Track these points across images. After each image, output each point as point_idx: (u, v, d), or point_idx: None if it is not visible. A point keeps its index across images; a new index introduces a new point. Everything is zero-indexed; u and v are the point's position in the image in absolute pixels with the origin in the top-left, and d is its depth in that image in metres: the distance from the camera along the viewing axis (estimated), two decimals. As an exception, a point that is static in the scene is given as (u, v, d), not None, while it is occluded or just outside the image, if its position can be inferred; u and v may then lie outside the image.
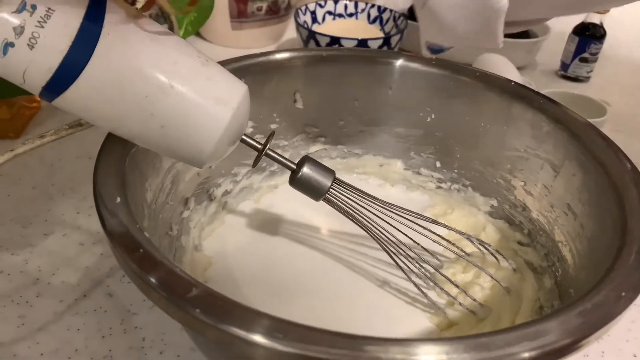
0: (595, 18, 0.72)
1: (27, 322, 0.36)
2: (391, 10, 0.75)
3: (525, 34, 0.80)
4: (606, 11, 0.72)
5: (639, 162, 0.58)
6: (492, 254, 0.38)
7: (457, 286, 0.36)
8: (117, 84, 0.26)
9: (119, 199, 0.27)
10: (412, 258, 0.37)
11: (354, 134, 0.48)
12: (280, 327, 0.21)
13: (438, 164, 0.46)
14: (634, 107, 0.71)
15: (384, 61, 0.45)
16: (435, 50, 0.46)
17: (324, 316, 0.36)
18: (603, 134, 0.35)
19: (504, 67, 0.62)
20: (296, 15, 0.71)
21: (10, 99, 0.54)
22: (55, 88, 0.26)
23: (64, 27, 0.25)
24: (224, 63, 0.41)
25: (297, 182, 0.35)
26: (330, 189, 0.35)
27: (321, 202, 0.46)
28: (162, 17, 0.65)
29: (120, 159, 0.30)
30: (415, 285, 0.37)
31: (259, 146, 0.34)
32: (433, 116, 0.45)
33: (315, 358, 0.21)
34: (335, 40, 0.65)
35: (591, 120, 0.58)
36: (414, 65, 0.44)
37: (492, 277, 0.37)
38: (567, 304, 0.24)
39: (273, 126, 0.45)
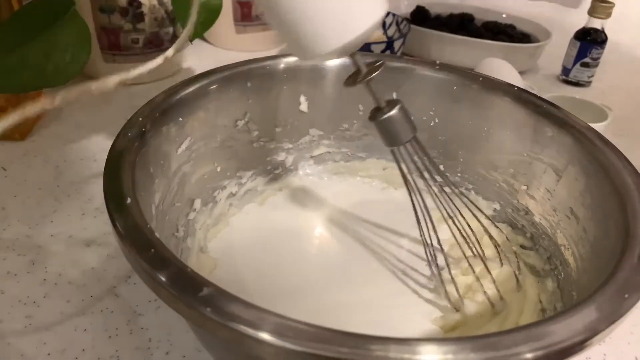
0: (596, 23, 0.73)
1: (34, 322, 0.37)
2: (394, 15, 0.75)
3: (527, 39, 0.81)
4: (608, 16, 0.72)
5: (640, 167, 0.58)
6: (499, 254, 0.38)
7: (477, 278, 0.36)
8: None
9: (129, 200, 0.27)
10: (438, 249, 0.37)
11: (357, 137, 0.49)
12: (289, 326, 0.22)
13: (441, 168, 0.47)
14: (635, 111, 0.72)
15: (388, 66, 0.46)
16: None
17: (330, 317, 0.36)
18: (605, 139, 0.36)
19: (506, 72, 0.63)
20: (300, 19, 0.71)
21: (16, 101, 0.55)
22: None
23: None
24: (229, 67, 0.42)
25: (380, 121, 0.33)
26: (407, 144, 0.34)
27: (325, 203, 0.47)
28: (168, 20, 0.65)
29: (129, 160, 0.30)
30: (434, 270, 0.37)
31: (365, 69, 0.33)
32: (436, 120, 0.45)
33: (324, 357, 0.21)
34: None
35: (593, 125, 0.59)
36: (418, 69, 0.45)
37: (493, 282, 0.37)
38: (571, 306, 0.24)
39: (278, 129, 0.46)
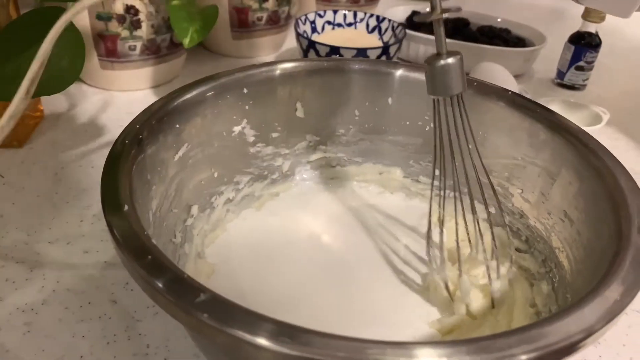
0: (590, 27, 0.73)
1: (33, 330, 0.37)
2: (390, 20, 0.76)
3: (522, 43, 0.82)
4: (602, 20, 0.73)
5: (635, 168, 0.59)
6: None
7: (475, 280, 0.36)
8: None
9: (126, 207, 0.27)
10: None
11: (353, 142, 0.49)
12: (286, 331, 0.22)
13: (437, 172, 0.47)
14: (630, 114, 0.72)
15: (383, 71, 0.46)
16: None
17: (327, 321, 0.37)
18: (598, 142, 0.36)
19: (501, 76, 0.63)
20: (296, 25, 0.72)
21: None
22: None
23: None
24: (226, 74, 0.42)
25: (436, 67, 0.33)
26: (453, 97, 0.34)
27: (321, 208, 0.47)
28: (165, 27, 0.66)
29: (126, 168, 0.31)
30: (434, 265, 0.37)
31: (439, 8, 0.32)
32: (432, 125, 0.46)
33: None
34: (334, 50, 0.66)
35: (587, 128, 0.59)
36: (413, 74, 0.45)
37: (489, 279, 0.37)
38: (564, 308, 0.24)
39: (274, 135, 0.46)
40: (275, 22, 0.78)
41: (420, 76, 0.45)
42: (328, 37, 0.75)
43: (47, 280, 0.41)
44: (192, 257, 0.39)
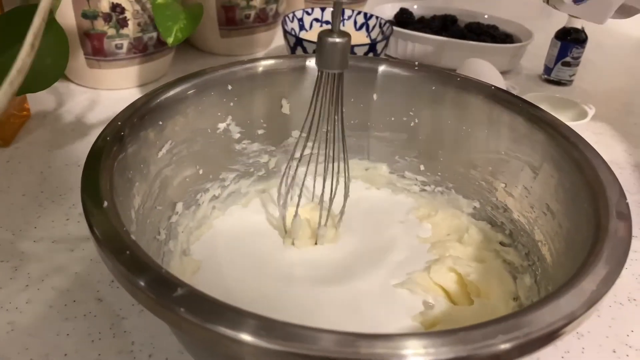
0: (576, 23, 0.74)
1: (17, 329, 0.37)
2: (377, 17, 0.76)
3: (510, 39, 0.82)
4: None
5: (620, 163, 0.59)
6: None
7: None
8: None
9: (106, 203, 0.27)
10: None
11: (340, 138, 0.49)
12: (264, 325, 0.22)
13: (422, 167, 0.47)
14: (615, 110, 0.73)
15: (368, 67, 0.46)
16: None
17: (312, 318, 0.37)
18: (578, 135, 0.36)
19: (487, 72, 0.63)
20: (284, 23, 0.72)
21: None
22: None
23: None
24: (209, 70, 0.42)
25: (325, 41, 0.36)
26: (335, 74, 0.37)
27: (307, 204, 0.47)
28: (151, 25, 0.65)
29: (107, 165, 0.31)
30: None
31: None
32: (417, 120, 0.46)
33: (300, 354, 0.21)
34: (322, 47, 0.66)
35: (573, 123, 0.60)
36: (397, 71, 0.46)
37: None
38: (541, 299, 0.25)
39: (260, 131, 0.46)
40: (263, 20, 0.78)
41: (404, 72, 0.45)
42: (316, 34, 0.75)
43: (31, 279, 0.41)
44: (177, 254, 0.39)
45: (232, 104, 0.43)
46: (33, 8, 0.48)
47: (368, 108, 0.47)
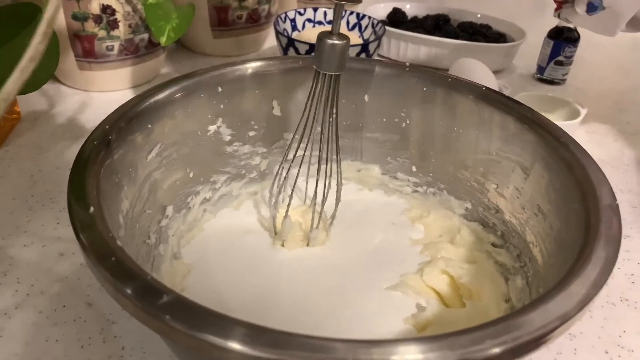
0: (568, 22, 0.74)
1: (5, 335, 0.36)
2: (370, 17, 0.76)
3: (502, 38, 0.82)
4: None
5: (613, 162, 0.59)
6: None
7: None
8: None
9: (92, 209, 0.27)
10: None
11: (333, 140, 0.49)
12: (251, 332, 0.22)
13: (414, 169, 0.47)
14: (607, 108, 0.73)
15: (359, 68, 0.46)
16: (594, 7, 0.47)
17: (304, 321, 0.36)
18: (568, 135, 0.36)
19: (480, 71, 0.63)
20: (276, 23, 0.72)
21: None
22: None
23: None
24: (199, 73, 0.42)
25: (325, 42, 0.37)
26: (332, 76, 0.38)
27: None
28: (142, 26, 0.65)
29: (94, 170, 0.30)
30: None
31: None
32: (408, 121, 0.46)
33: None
34: (314, 48, 0.65)
35: (566, 122, 0.60)
36: (389, 71, 0.45)
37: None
38: (531, 301, 0.25)
39: (251, 133, 0.46)
40: (256, 21, 0.78)
41: (395, 73, 0.45)
42: (308, 34, 0.75)
43: (21, 284, 0.40)
44: (168, 258, 0.39)
45: (222, 106, 0.43)
46: (23, 7, 0.48)
47: (360, 109, 0.47)
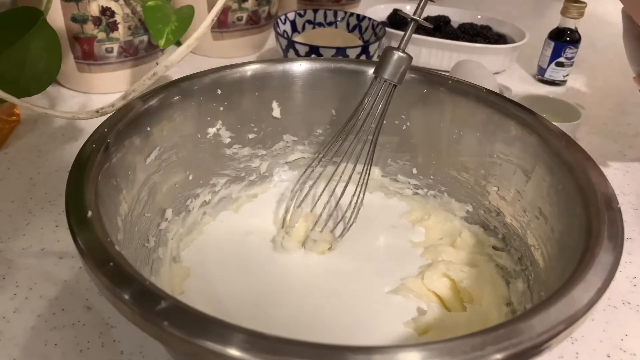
0: (569, 23, 0.74)
1: (4, 338, 0.36)
2: (370, 19, 0.76)
3: (503, 40, 0.82)
4: (581, 16, 0.73)
5: (614, 164, 0.59)
6: None
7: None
8: None
9: (90, 213, 0.27)
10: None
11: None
12: (250, 339, 0.22)
13: (414, 171, 0.47)
14: (608, 110, 0.73)
15: (359, 70, 0.46)
16: None
17: (304, 326, 0.36)
18: (569, 137, 0.36)
19: (480, 73, 0.63)
20: (276, 25, 0.72)
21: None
22: None
23: None
24: (198, 75, 0.41)
25: (391, 51, 0.40)
26: (392, 86, 0.41)
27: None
28: (142, 28, 0.65)
29: (93, 173, 0.30)
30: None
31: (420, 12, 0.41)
32: (408, 124, 0.46)
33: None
34: (314, 50, 0.66)
35: (567, 124, 0.60)
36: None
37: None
38: (532, 307, 0.24)
39: (251, 136, 0.46)
40: (256, 22, 0.78)
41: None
42: (308, 36, 0.75)
43: (19, 287, 0.40)
44: (167, 261, 0.39)
45: (222, 108, 0.43)
46: (24, 11, 0.48)
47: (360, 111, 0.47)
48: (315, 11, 0.77)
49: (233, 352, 0.21)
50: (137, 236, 0.35)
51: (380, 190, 0.49)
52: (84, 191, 0.28)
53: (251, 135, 0.46)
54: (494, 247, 0.42)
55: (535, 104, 0.54)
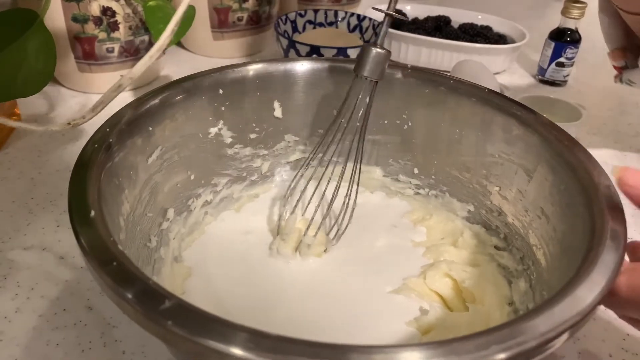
0: (570, 23, 0.74)
1: (5, 339, 0.36)
2: (370, 19, 0.76)
3: (503, 40, 0.82)
4: (581, 16, 0.73)
5: (614, 164, 0.59)
6: None
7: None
8: None
9: (93, 212, 0.27)
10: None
11: (333, 142, 0.49)
12: (254, 338, 0.22)
13: (416, 171, 0.47)
14: (608, 110, 0.73)
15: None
16: None
17: (306, 325, 0.36)
18: (571, 137, 0.36)
19: (481, 73, 0.63)
20: (276, 25, 0.72)
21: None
22: None
23: None
24: (199, 75, 0.41)
25: (368, 48, 0.39)
26: (373, 82, 0.40)
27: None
28: (143, 28, 0.65)
29: (95, 172, 0.30)
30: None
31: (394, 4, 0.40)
32: (410, 124, 0.46)
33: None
34: (315, 49, 0.65)
35: (567, 124, 0.60)
36: (390, 73, 0.45)
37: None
38: (535, 307, 0.24)
39: (252, 136, 0.46)
40: (256, 22, 0.78)
41: (397, 75, 0.45)
42: (309, 36, 0.75)
43: (21, 287, 0.40)
44: (169, 261, 0.39)
45: (223, 108, 0.43)
46: (22, 12, 0.48)
47: (361, 111, 0.47)
48: (315, 11, 0.77)
49: (237, 351, 0.21)
50: (139, 236, 0.35)
51: (382, 190, 0.49)
52: (86, 191, 0.28)
53: (253, 135, 0.46)
54: (496, 247, 0.42)
55: (536, 104, 0.53)
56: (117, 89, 0.37)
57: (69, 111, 0.64)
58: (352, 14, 0.77)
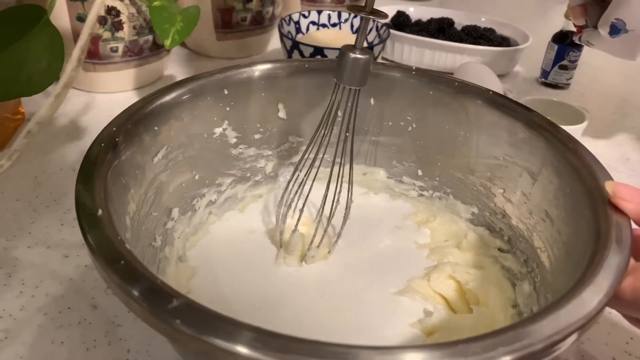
0: (573, 26, 0.74)
1: (10, 336, 0.36)
2: (374, 20, 0.76)
3: (506, 42, 0.82)
4: (584, 20, 0.73)
5: (618, 167, 0.59)
6: None
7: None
8: None
9: (100, 211, 0.27)
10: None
11: (336, 143, 0.49)
12: (260, 337, 0.22)
13: (420, 172, 0.47)
14: (611, 113, 0.73)
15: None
16: (617, 30, 0.47)
17: (310, 325, 0.36)
18: (577, 140, 0.36)
19: (484, 75, 0.63)
20: (280, 26, 0.72)
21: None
22: None
23: None
24: (205, 75, 0.41)
25: (346, 55, 0.36)
26: (355, 90, 0.38)
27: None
28: (147, 28, 0.65)
29: (102, 172, 0.30)
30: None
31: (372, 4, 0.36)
32: (414, 125, 0.46)
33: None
34: (318, 51, 0.66)
35: (570, 127, 0.60)
36: (395, 75, 0.45)
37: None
38: (540, 311, 0.24)
39: (257, 136, 0.46)
40: (260, 23, 0.78)
41: (401, 77, 0.45)
42: (312, 37, 0.75)
43: (25, 286, 0.40)
44: (173, 261, 0.39)
45: (228, 108, 0.43)
46: (27, 8, 0.48)
47: (365, 112, 0.47)
48: (319, 12, 0.77)
49: (244, 350, 0.21)
50: (144, 235, 0.35)
51: (386, 192, 0.49)
52: (94, 189, 0.28)
53: (257, 136, 0.46)
54: (500, 249, 0.42)
55: (539, 107, 0.54)
56: (27, 135, 0.36)
57: (73, 110, 0.64)
58: (356, 16, 0.77)
